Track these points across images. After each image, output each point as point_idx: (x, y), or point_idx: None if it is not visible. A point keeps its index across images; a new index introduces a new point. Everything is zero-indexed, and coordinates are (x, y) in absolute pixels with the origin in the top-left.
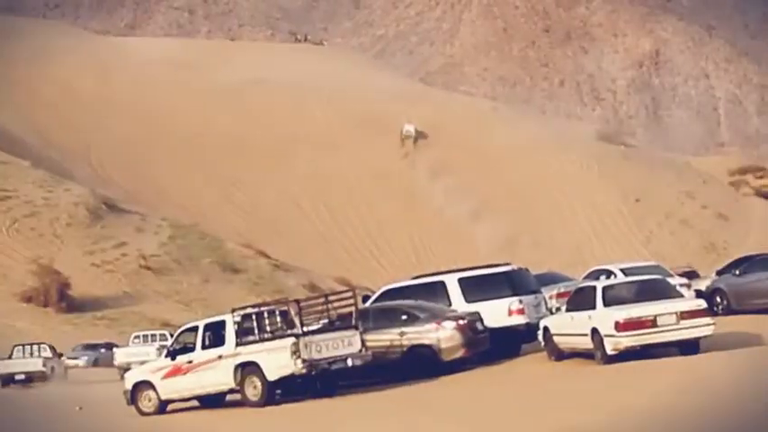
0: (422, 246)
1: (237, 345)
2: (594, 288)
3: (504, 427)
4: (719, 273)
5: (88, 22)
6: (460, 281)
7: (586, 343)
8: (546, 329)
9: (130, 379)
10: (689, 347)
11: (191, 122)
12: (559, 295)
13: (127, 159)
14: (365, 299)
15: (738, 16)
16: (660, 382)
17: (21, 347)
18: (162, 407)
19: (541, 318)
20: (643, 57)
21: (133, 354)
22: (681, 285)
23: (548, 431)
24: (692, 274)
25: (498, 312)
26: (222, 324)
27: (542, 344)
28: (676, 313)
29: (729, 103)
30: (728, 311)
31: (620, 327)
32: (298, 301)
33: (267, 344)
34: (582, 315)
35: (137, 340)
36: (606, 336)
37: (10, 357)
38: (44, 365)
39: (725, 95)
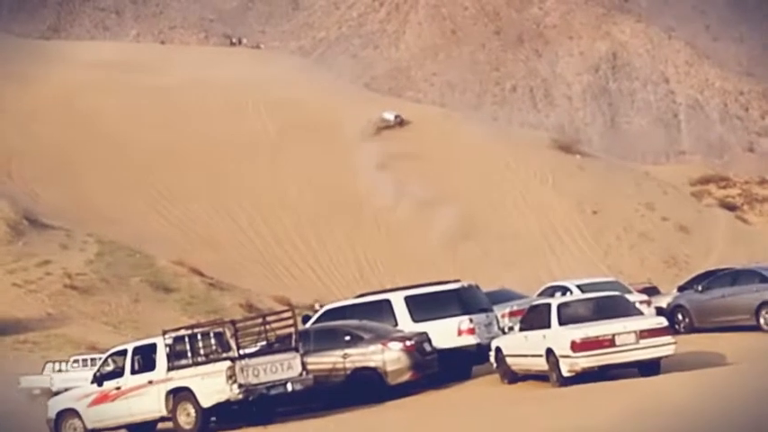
0: (367, 262)
1: (169, 369)
2: (549, 306)
3: None
4: (681, 288)
5: (8, 25)
6: (407, 299)
7: (541, 364)
8: (498, 350)
9: (54, 407)
10: (649, 368)
11: (120, 131)
12: (512, 314)
13: (51, 171)
14: (306, 319)
15: (699, 17)
16: (619, 405)
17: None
18: None
19: (493, 338)
20: (599, 60)
21: (72, 379)
22: (640, 302)
23: None
24: (652, 291)
25: (447, 332)
26: (153, 347)
27: (494, 365)
28: (636, 332)
29: (690, 109)
30: (691, 329)
31: (576, 347)
32: (234, 322)
33: (201, 368)
34: (536, 334)
35: (75, 364)
36: (562, 356)
37: None
38: None
39: (686, 101)
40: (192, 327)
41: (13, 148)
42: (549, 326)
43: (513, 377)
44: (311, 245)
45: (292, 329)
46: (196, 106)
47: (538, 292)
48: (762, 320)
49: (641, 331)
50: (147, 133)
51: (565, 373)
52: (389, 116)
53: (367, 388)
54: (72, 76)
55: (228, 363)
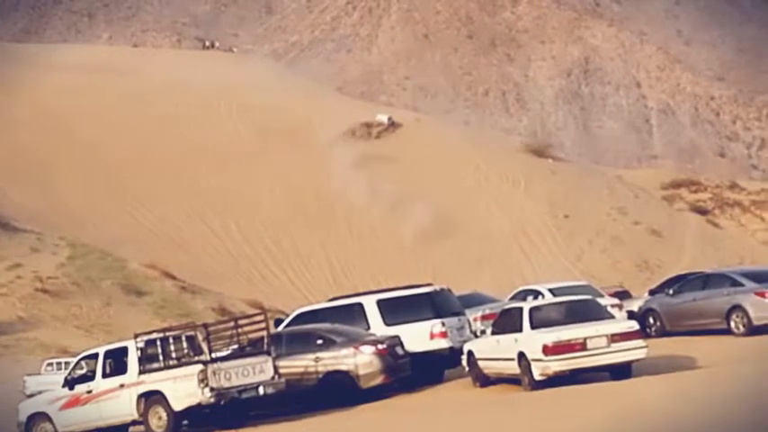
0: (339, 266)
1: (141, 373)
2: (521, 309)
3: None
4: (652, 292)
5: None
6: (379, 303)
7: (513, 368)
8: (470, 354)
9: (25, 410)
10: (620, 372)
11: (92, 134)
12: (484, 317)
13: (22, 173)
14: (278, 323)
15: (671, 22)
16: (590, 409)
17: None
18: None
19: (465, 341)
20: (572, 64)
21: (46, 382)
22: (612, 306)
23: None
24: (623, 294)
25: (420, 336)
26: (124, 350)
27: (466, 369)
28: (607, 336)
29: (662, 114)
30: (662, 333)
31: (548, 350)
32: (206, 326)
33: (173, 371)
34: (508, 338)
35: (50, 368)
36: (534, 360)
37: None
38: None
39: (657, 105)
40: (163, 330)
41: None
42: (520, 329)
43: (485, 381)
44: (284, 248)
45: (264, 333)
46: (169, 109)
47: (510, 296)
48: (732, 324)
49: (613, 335)
50: (120, 137)
51: (537, 377)
52: (383, 118)
53: (339, 391)
54: (45, 79)
55: (200, 366)
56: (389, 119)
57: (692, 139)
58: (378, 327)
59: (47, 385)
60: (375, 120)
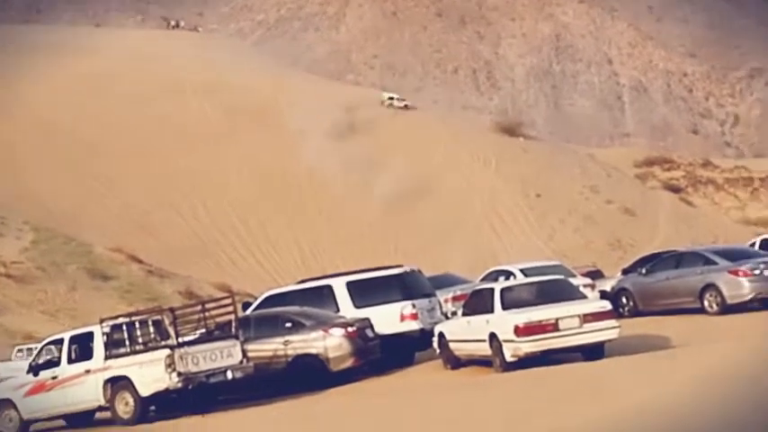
0: (308, 248)
1: (107, 358)
2: (492, 290)
3: None
4: (625, 272)
5: None
6: (349, 285)
7: (484, 349)
8: (441, 335)
9: None
10: (593, 352)
11: (54, 115)
12: (455, 298)
13: None
14: (246, 306)
15: None
16: (562, 390)
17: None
18: (24, 428)
19: (436, 323)
20: (542, 42)
21: (17, 369)
22: (584, 286)
23: None
24: (596, 274)
25: (390, 318)
26: (90, 336)
27: (437, 351)
28: (579, 316)
29: (634, 91)
30: (635, 313)
31: (519, 331)
32: (172, 310)
33: (139, 356)
34: (479, 319)
35: (20, 354)
36: (505, 341)
37: None
38: None
39: (629, 83)
40: (130, 315)
41: None
42: (492, 311)
43: (456, 363)
44: (252, 230)
45: (232, 317)
46: (134, 90)
47: (481, 277)
48: (706, 303)
49: (585, 315)
50: (85, 118)
51: (508, 358)
52: (385, 95)
53: (309, 375)
54: (6, 61)
55: (167, 351)
56: (401, 100)
57: (664, 116)
58: (347, 309)
59: (17, 372)
60: (385, 100)
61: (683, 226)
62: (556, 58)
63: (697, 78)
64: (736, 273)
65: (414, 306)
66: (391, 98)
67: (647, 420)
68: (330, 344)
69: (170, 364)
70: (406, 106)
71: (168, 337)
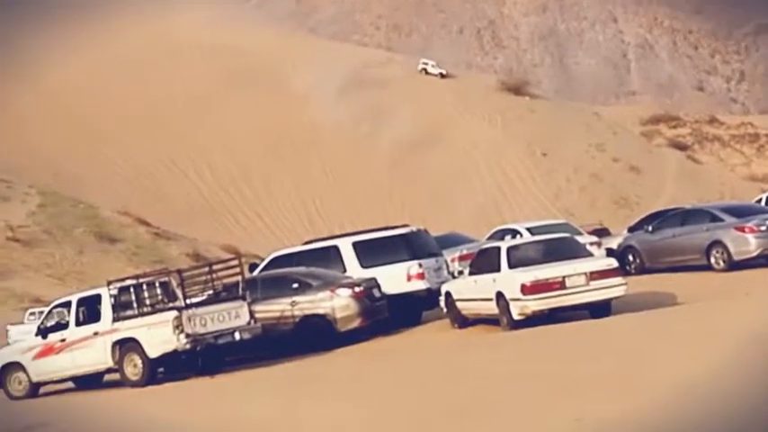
0: (315, 208)
1: (115, 320)
2: (499, 249)
3: (399, 402)
4: (631, 229)
5: None
6: (355, 245)
7: (491, 308)
8: (448, 295)
9: None
10: (600, 310)
11: (61, 80)
12: (462, 258)
13: None
14: (252, 267)
15: None
16: (569, 347)
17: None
18: (33, 390)
19: (443, 282)
20: (547, 0)
21: (30, 332)
22: (591, 244)
23: (446, 405)
24: (602, 232)
25: (396, 278)
26: (97, 298)
27: (444, 310)
28: (586, 274)
29: (639, 49)
30: (641, 270)
31: (526, 290)
32: (180, 272)
33: (147, 318)
34: (486, 278)
35: (32, 317)
36: (512, 300)
37: None
38: None
39: (635, 40)
40: (137, 277)
41: None
42: (498, 269)
43: (463, 322)
44: (258, 192)
45: (239, 278)
46: (138, 54)
47: (487, 236)
48: (712, 260)
49: (591, 273)
50: (90, 83)
51: (515, 317)
52: (434, 69)
53: (316, 335)
54: (14, 24)
55: (175, 312)
56: (436, 67)
57: (670, 73)
58: (354, 269)
59: (30, 335)
60: (421, 67)
61: (689, 183)
62: (561, 17)
63: (702, 35)
64: (742, 229)
65: (420, 266)
66: (425, 63)
67: (655, 377)
68: (337, 304)
69: (178, 326)
70: (441, 74)
71: (176, 298)
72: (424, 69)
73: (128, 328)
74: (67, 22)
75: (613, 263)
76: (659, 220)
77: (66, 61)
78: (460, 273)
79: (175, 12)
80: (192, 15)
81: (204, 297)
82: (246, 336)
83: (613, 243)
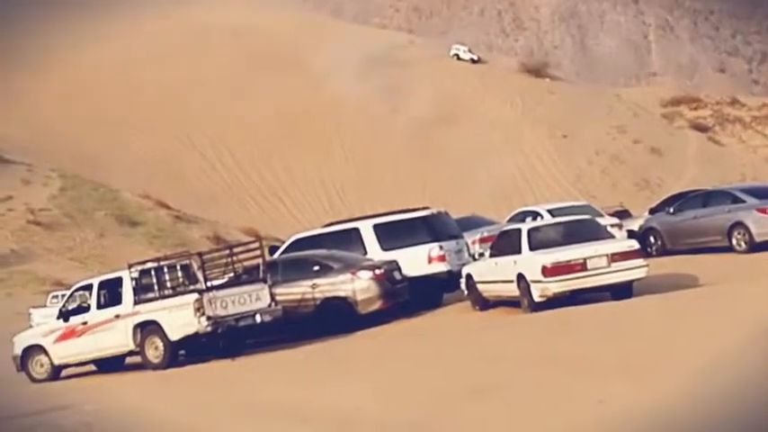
0: (335, 190)
1: (136, 303)
2: (519, 231)
3: (420, 383)
4: (653, 211)
5: None
6: (376, 227)
7: (512, 290)
8: (469, 277)
9: (20, 343)
10: (621, 291)
11: (81, 63)
12: (483, 240)
13: (10, 104)
14: (273, 250)
15: None
16: (591, 329)
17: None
18: (55, 372)
19: (464, 264)
20: None
21: (52, 315)
22: (612, 226)
23: (467, 386)
24: (623, 214)
25: (417, 260)
26: (119, 281)
27: (465, 292)
28: (607, 255)
29: (660, 30)
30: (663, 252)
31: (547, 271)
32: (200, 254)
33: (168, 301)
34: (507, 260)
35: (54, 300)
36: (533, 282)
37: None
38: None
39: (655, 21)
40: (158, 259)
41: None
42: (519, 251)
43: (484, 304)
44: (279, 175)
45: (260, 260)
46: (161, 37)
47: (508, 218)
48: (734, 241)
49: (613, 254)
50: (112, 65)
51: (536, 299)
52: (466, 55)
53: (337, 318)
54: (34, 12)
55: (196, 295)
56: (468, 52)
57: (691, 54)
58: (375, 252)
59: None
60: (453, 53)
61: (710, 165)
62: None
63: (724, 16)
64: (764, 211)
65: (441, 248)
66: (458, 49)
67: (676, 359)
68: (358, 286)
69: (199, 308)
70: (472, 60)
71: (197, 281)
72: (456, 55)
73: (149, 311)
74: (90, 5)
75: (635, 244)
76: (681, 201)
77: (87, 45)
78: (481, 255)
79: None
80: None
81: (225, 280)
82: (267, 318)
83: (634, 225)
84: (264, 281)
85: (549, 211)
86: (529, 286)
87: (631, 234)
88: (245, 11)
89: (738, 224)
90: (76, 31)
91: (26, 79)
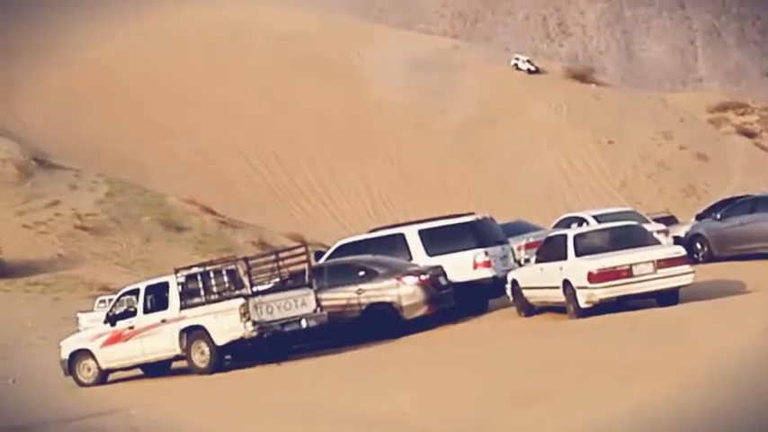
0: (380, 197)
1: (182, 308)
2: (565, 237)
3: (465, 389)
4: (699, 217)
5: None
6: (421, 233)
7: (558, 296)
8: (514, 283)
9: (67, 347)
10: (667, 298)
11: (125, 69)
12: (528, 246)
13: (58, 111)
14: (318, 255)
15: None
16: (637, 335)
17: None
18: (102, 377)
19: (509, 270)
20: None
21: (99, 319)
22: (658, 232)
23: (512, 392)
24: (669, 220)
25: (463, 266)
26: (165, 286)
27: (511, 298)
28: (653, 262)
29: (707, 36)
30: (709, 258)
31: (593, 278)
32: (246, 259)
33: (214, 306)
34: (552, 266)
35: (102, 304)
36: (579, 288)
37: None
38: None
39: (702, 27)
40: (204, 264)
41: (18, 88)
42: (565, 257)
43: (529, 310)
44: (323, 180)
45: (305, 266)
46: (204, 40)
47: (554, 224)
48: None
49: (659, 261)
50: (154, 71)
51: (582, 305)
52: (524, 65)
53: (382, 323)
54: (77, 16)
55: (242, 300)
56: (527, 62)
57: (738, 60)
58: (420, 257)
59: (99, 322)
60: (513, 62)
61: (757, 171)
62: (627, 3)
63: None
64: None
65: (486, 254)
66: (517, 59)
67: (725, 366)
68: (403, 292)
69: (245, 313)
70: (529, 70)
71: (242, 286)
72: (516, 65)
73: (195, 316)
74: (132, 7)
75: (681, 251)
76: (728, 207)
77: (130, 49)
78: (527, 261)
79: (242, 1)
80: (261, 4)
81: (271, 285)
82: (313, 323)
83: (681, 231)
84: (310, 286)
85: (595, 217)
86: (575, 292)
87: (678, 240)
88: (287, 16)
89: None
90: (120, 35)
91: (71, 86)
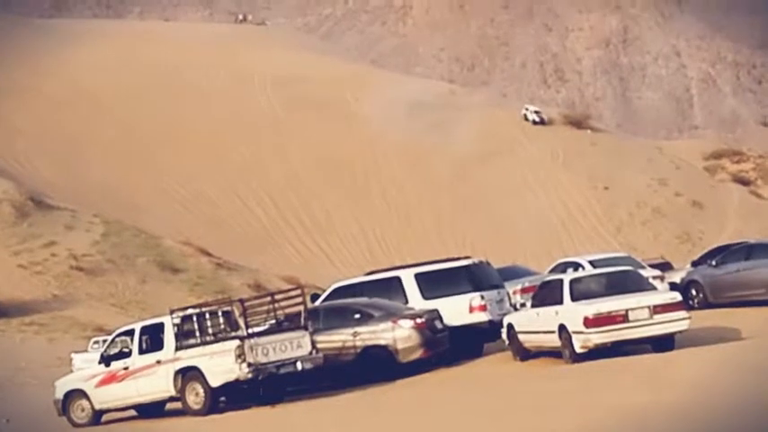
0: (376, 239)
1: (177, 349)
2: (561, 282)
3: None
4: (695, 264)
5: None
6: (417, 276)
7: (553, 341)
8: (510, 327)
9: (61, 388)
10: (663, 343)
11: (123, 109)
12: (524, 290)
13: (56, 151)
14: (314, 297)
15: None
16: (632, 381)
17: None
18: (96, 417)
19: (505, 314)
20: (610, 34)
21: (93, 360)
22: (654, 277)
23: None
24: (665, 266)
25: (458, 309)
26: (160, 327)
27: (506, 343)
28: (649, 307)
29: (703, 83)
30: (705, 305)
31: (589, 322)
32: (242, 301)
33: (209, 347)
34: (548, 311)
35: (96, 345)
36: (574, 332)
37: None
38: None
39: (698, 75)
40: (200, 306)
41: (17, 128)
42: (561, 302)
43: (525, 354)
44: (319, 223)
45: (301, 308)
46: (202, 83)
47: (549, 269)
48: None
49: (655, 306)
50: (152, 111)
51: (578, 350)
52: (533, 116)
53: (377, 366)
54: (76, 55)
55: (237, 342)
56: (535, 113)
57: (733, 108)
58: (416, 300)
59: (94, 363)
60: (523, 113)
61: (752, 218)
62: (623, 51)
63: (767, 70)
64: None
65: (482, 297)
66: (527, 109)
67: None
68: (399, 335)
69: (240, 355)
70: (534, 121)
71: (238, 328)
72: (525, 115)
73: (190, 357)
74: (129, 48)
75: (677, 296)
76: (723, 254)
77: (126, 90)
78: (522, 305)
79: (239, 42)
80: (258, 46)
81: (266, 327)
82: (308, 365)
83: (676, 277)
84: (306, 328)
85: (591, 262)
86: (570, 337)
87: (673, 286)
88: (286, 59)
89: None
90: (117, 74)
91: (74, 128)
